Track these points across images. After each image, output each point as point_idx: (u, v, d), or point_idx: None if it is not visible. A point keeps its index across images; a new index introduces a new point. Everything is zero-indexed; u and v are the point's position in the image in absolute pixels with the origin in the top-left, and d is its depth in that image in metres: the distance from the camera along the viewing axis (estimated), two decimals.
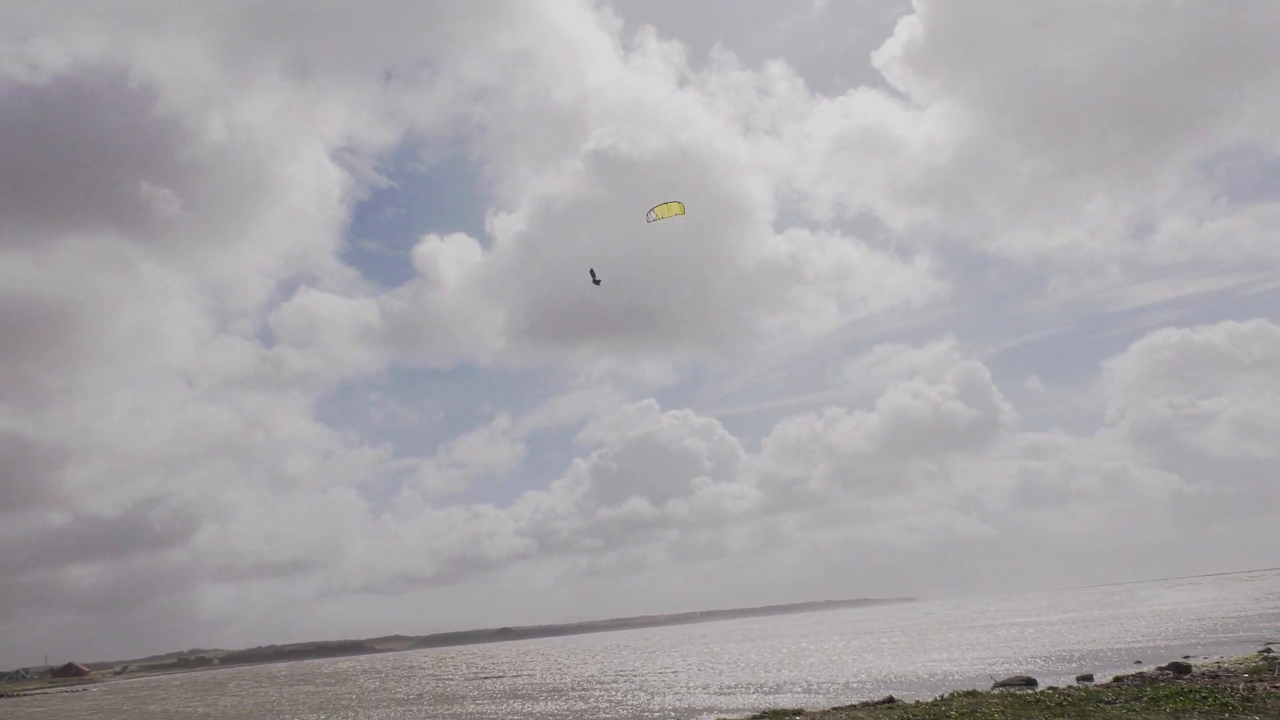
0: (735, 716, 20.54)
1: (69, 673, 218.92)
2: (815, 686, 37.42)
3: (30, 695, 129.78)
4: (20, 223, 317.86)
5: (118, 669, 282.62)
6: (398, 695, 55.70)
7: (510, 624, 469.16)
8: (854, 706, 21.29)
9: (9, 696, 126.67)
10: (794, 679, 42.30)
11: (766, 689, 37.97)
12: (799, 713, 19.89)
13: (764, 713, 20.99)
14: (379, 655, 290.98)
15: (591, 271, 32.31)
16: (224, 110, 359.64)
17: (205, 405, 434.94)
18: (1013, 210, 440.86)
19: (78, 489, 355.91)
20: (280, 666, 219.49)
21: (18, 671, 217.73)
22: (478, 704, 42.88)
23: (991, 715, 16.82)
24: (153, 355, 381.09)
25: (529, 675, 66.63)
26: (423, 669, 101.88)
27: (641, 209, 32.53)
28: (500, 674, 72.65)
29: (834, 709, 21.01)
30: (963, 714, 17.14)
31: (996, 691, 22.87)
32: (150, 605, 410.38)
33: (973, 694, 21.22)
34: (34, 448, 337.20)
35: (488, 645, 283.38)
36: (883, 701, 21.41)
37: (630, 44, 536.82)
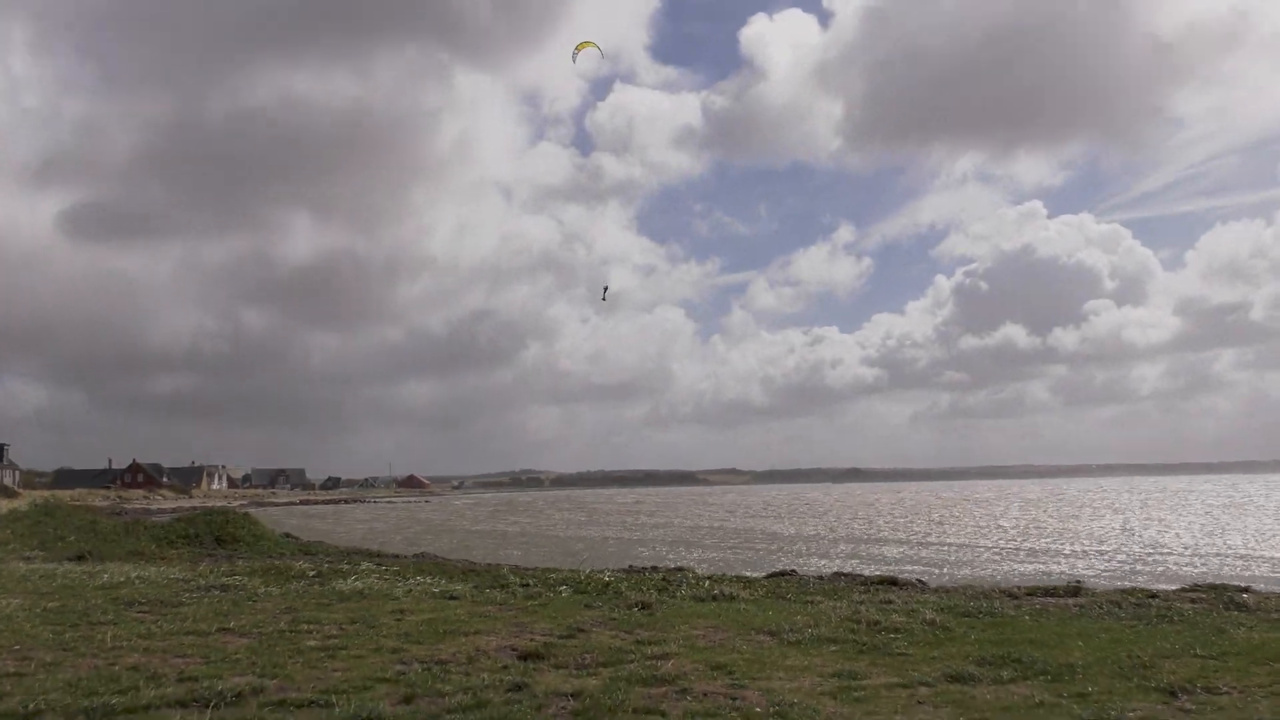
0: (1159, 588, 20.19)
1: (410, 484, 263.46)
2: (1260, 561, 35.21)
3: (379, 502, 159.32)
4: (336, 36, 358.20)
5: (455, 484, 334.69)
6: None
7: (859, 464, 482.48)
8: None
9: (363, 502, 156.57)
10: (1232, 551, 39.99)
11: (1194, 559, 36.41)
12: (1245, 590, 19.10)
13: (1195, 585, 20.42)
14: (715, 488, 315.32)
15: (605, 289, 39.19)
16: None
17: (524, 218, 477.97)
18: None
19: (408, 305, 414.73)
20: (616, 492, 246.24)
21: (367, 480, 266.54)
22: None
23: None
24: (471, 168, 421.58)
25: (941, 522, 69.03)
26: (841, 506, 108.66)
27: None
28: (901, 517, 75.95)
29: None
30: None
31: None
32: (483, 423, 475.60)
33: None
34: (367, 264, 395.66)
35: (835, 486, 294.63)
36: None
37: None
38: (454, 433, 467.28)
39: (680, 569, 24.87)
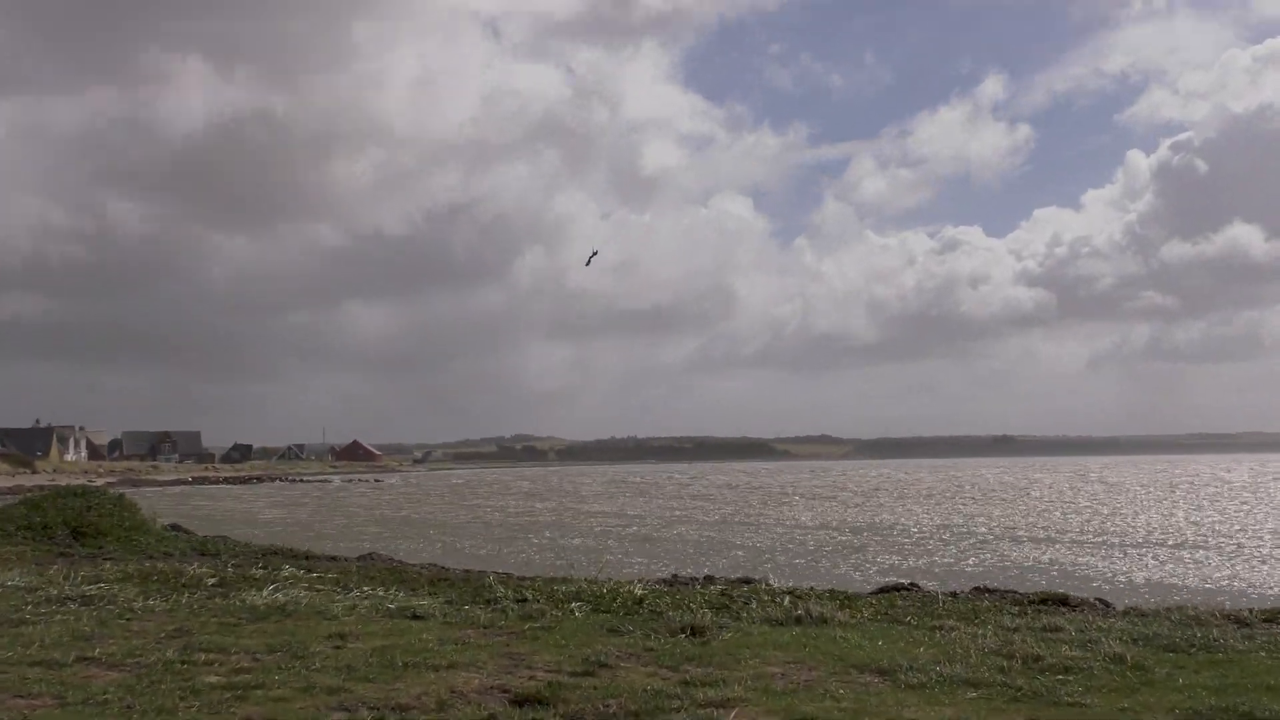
0: None
1: (353, 455, 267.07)
2: None
3: (309, 480, 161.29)
4: None
5: (418, 454, 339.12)
6: None
7: (1012, 430, 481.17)
8: None
9: (284, 480, 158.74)
10: None
11: None
12: None
13: None
14: (797, 464, 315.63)
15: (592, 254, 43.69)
16: None
17: (518, 66, 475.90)
18: None
19: (349, 194, 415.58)
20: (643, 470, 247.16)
21: (290, 449, 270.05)
22: None
23: None
24: None
25: None
26: None
27: None
28: None
29: None
30: None
31: None
32: (459, 369, 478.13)
33: None
34: (290, 133, 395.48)
35: (971, 462, 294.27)
36: None
37: None
38: (417, 382, 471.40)
39: (748, 580, 25.51)
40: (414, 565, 29.31)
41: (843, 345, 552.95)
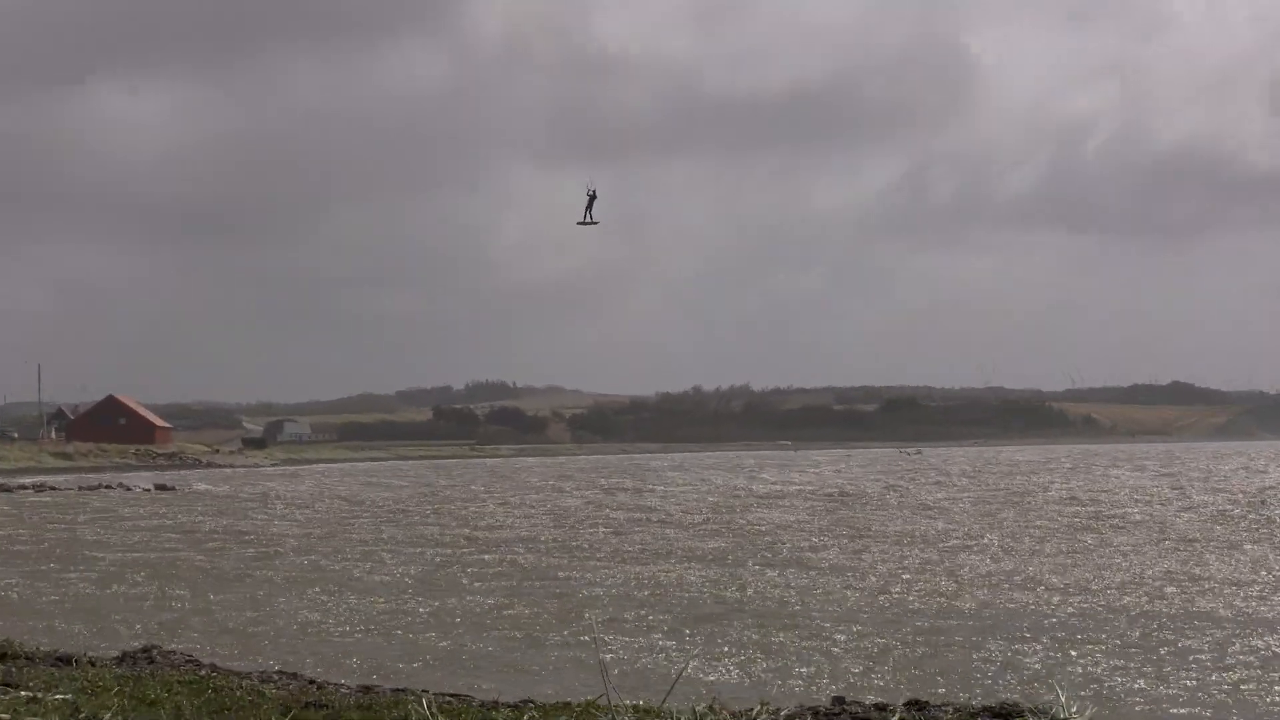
0: None
1: (108, 428, 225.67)
2: None
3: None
4: None
5: (252, 427, 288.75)
6: None
7: None
8: None
9: None
10: None
11: None
12: None
13: None
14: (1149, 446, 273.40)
15: (590, 198, 45.08)
16: None
17: None
18: None
19: None
20: None
21: None
22: None
23: None
24: None
25: None
26: None
27: None
28: None
29: None
30: None
31: None
32: (348, 237, 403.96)
33: None
34: None
35: None
36: None
37: None
38: (253, 265, 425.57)
39: (1009, 711, 18.58)
40: (244, 674, 24.52)
41: (1218, 180, 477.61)
